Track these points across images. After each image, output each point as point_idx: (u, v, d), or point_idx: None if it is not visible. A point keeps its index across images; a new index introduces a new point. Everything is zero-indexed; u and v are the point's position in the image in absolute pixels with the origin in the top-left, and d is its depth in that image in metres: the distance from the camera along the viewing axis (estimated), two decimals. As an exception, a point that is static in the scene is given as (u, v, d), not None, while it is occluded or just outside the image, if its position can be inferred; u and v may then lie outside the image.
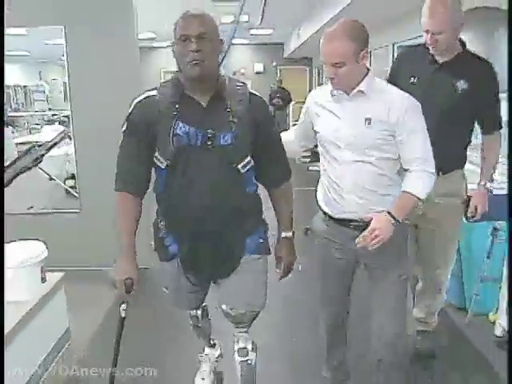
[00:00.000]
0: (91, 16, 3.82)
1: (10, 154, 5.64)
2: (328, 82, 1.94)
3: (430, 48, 2.23)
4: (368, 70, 1.91)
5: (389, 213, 1.86)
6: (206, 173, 1.78)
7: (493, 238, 2.89)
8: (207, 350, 2.45)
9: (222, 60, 2.01)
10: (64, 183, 5.56)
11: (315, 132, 2.04)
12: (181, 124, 1.73)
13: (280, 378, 2.70)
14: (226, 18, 7.13)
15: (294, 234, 2.06)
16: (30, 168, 5.18)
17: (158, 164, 1.81)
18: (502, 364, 2.64)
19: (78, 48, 3.89)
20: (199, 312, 2.24)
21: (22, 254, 2.49)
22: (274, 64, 14.75)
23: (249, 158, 1.84)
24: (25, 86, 10.48)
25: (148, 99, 1.80)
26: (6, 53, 6.43)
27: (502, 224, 2.82)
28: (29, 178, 5.27)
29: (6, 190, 4.86)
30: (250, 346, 2.04)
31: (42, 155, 5.45)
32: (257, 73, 14.33)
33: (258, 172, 1.91)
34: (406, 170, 1.94)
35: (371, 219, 1.88)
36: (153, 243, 2.02)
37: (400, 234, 1.95)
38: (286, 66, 14.85)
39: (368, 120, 1.87)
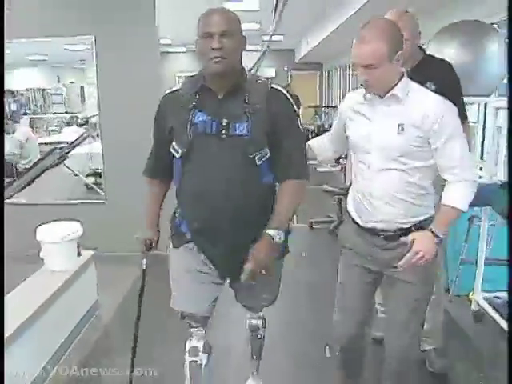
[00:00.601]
0: (117, 27, 4.22)
1: (35, 154, 6.09)
2: (362, 89, 1.87)
3: None
4: (403, 72, 1.83)
5: (432, 232, 1.76)
6: (220, 162, 1.78)
7: (469, 224, 3.20)
8: None
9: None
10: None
11: (347, 137, 1.97)
12: (199, 113, 1.76)
13: (282, 367, 2.74)
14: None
15: (280, 239, 1.79)
16: (56, 165, 5.64)
17: (174, 153, 1.82)
18: (479, 337, 2.99)
19: (106, 55, 4.28)
20: (200, 344, 2.00)
21: (62, 230, 2.88)
22: (286, 69, 15.12)
23: (265, 150, 1.79)
24: (43, 89, 10.90)
25: (172, 93, 1.87)
26: (26, 57, 6.88)
27: (477, 211, 3.09)
28: (52, 175, 5.72)
29: (33, 185, 5.31)
30: (260, 324, 2.21)
31: (67, 153, 5.91)
32: (269, 77, 14.82)
33: (271, 165, 1.84)
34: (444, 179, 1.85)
35: (403, 232, 1.83)
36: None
37: None
38: (297, 71, 15.21)
39: (401, 126, 1.78)
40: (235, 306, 2.16)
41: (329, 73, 14.72)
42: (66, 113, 10.02)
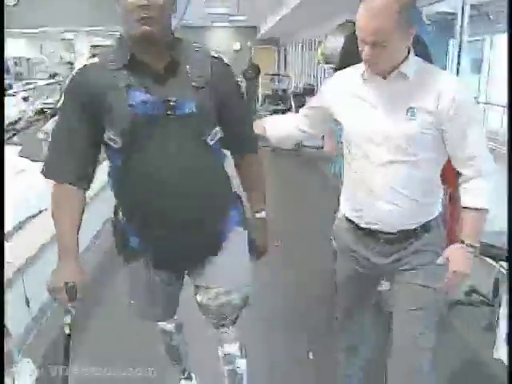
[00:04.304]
0: None
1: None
2: (356, 66, 1.54)
3: None
4: (409, 47, 1.45)
5: (465, 244, 1.45)
6: (170, 149, 1.42)
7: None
8: (183, 382, 2.07)
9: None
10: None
11: (337, 123, 1.62)
12: (136, 93, 1.36)
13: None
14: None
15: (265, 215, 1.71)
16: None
17: (111, 144, 1.41)
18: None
19: None
20: (172, 325, 1.84)
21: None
22: (249, 44, 16.72)
23: (217, 128, 1.50)
24: (28, 59, 11.94)
25: (89, 67, 1.41)
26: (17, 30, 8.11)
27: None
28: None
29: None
30: (236, 350, 1.67)
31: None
32: (235, 50, 16.07)
33: (222, 141, 1.54)
34: (458, 173, 1.51)
35: (407, 235, 1.55)
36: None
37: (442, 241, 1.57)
38: (258, 46, 16.85)
39: (411, 110, 1.43)
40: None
41: (285, 47, 16.41)
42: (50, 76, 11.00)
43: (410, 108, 1.44)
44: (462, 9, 3.82)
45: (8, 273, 2.29)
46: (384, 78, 1.47)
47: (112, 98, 1.37)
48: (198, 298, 1.62)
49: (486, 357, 2.28)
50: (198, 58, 1.47)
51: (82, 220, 1.46)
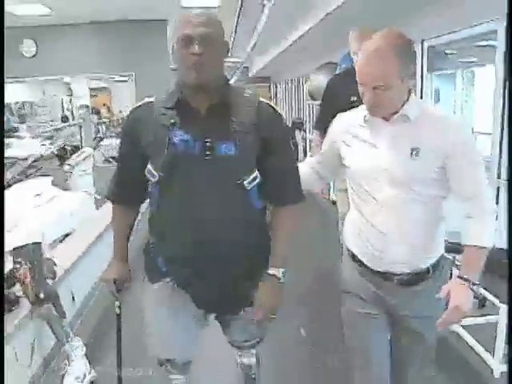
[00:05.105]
0: (149, 65, 6.48)
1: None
2: (359, 108, 1.55)
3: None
4: (410, 90, 1.47)
5: (466, 279, 1.40)
6: (204, 188, 1.44)
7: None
8: None
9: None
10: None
11: (344, 166, 1.61)
12: (178, 132, 1.43)
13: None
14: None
15: (284, 275, 1.56)
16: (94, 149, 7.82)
17: (150, 178, 1.49)
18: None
19: (141, 85, 6.51)
20: (184, 379, 1.73)
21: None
22: (242, 82, 17.71)
23: (256, 173, 1.49)
24: (31, 103, 12.26)
25: (143, 106, 1.53)
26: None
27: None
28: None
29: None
30: (253, 362, 1.80)
31: (100, 141, 8.13)
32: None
33: (262, 189, 1.53)
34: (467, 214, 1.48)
35: (421, 275, 1.54)
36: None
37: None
38: (251, 84, 17.81)
39: (415, 150, 1.44)
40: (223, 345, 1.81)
41: (276, 85, 17.37)
42: (52, 121, 11.34)
43: (414, 148, 1.45)
44: (421, 50, 4.48)
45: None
46: (386, 120, 1.48)
47: (156, 135, 1.46)
48: (227, 337, 1.79)
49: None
50: (244, 103, 1.49)
51: (131, 232, 1.73)
